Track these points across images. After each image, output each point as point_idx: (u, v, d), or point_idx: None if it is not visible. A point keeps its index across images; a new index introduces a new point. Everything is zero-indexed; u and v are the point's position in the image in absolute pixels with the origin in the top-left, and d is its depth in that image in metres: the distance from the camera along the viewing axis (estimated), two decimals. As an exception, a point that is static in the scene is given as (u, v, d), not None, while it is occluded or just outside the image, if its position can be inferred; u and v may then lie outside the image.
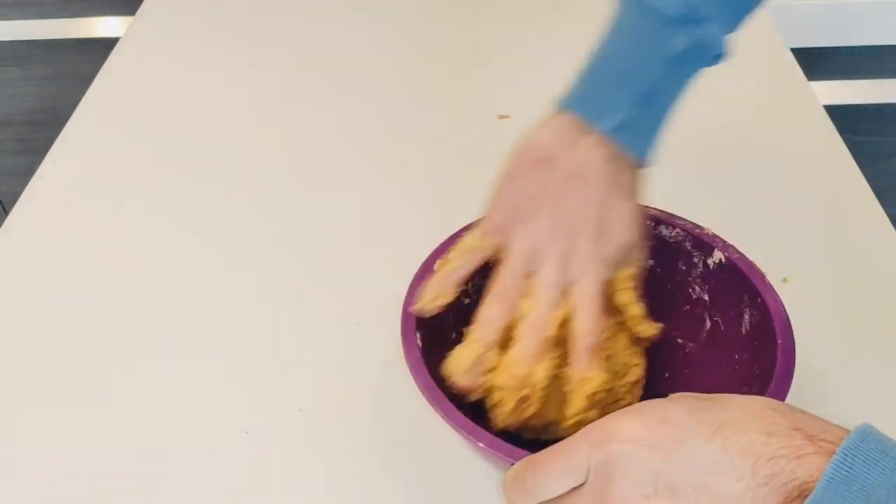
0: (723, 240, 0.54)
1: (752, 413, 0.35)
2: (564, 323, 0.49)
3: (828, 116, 0.82)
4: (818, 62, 1.14)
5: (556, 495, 0.37)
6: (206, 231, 0.72)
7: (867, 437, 0.32)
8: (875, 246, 0.68)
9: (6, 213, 0.91)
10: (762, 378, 0.47)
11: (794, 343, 0.48)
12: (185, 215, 0.74)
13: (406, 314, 0.50)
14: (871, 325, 0.62)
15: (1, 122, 1.53)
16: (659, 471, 0.34)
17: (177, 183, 0.78)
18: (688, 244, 0.55)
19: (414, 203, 0.74)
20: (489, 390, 0.49)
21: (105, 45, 0.98)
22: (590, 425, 0.37)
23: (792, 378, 0.46)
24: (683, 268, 0.56)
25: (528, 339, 0.48)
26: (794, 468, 0.32)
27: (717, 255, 0.54)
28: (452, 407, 0.45)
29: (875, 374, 0.58)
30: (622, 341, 0.51)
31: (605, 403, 0.49)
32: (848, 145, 0.78)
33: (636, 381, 0.52)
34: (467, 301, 0.54)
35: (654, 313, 0.57)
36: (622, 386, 0.51)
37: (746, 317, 0.52)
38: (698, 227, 0.55)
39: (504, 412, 0.48)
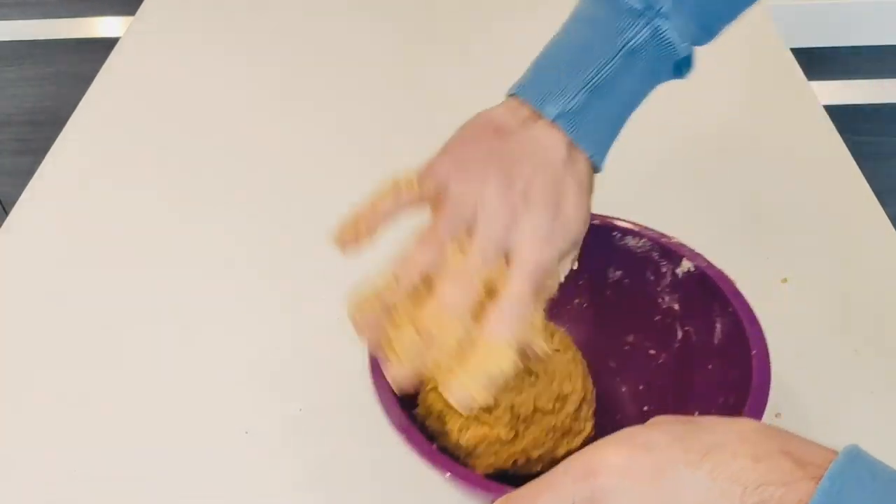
0: (690, 248, 0.54)
1: (738, 437, 0.34)
2: (490, 292, 0.45)
3: (828, 116, 0.82)
4: (818, 62, 1.14)
5: None
6: (205, 231, 0.72)
7: (855, 460, 0.31)
8: (875, 246, 0.68)
9: (6, 213, 0.91)
10: (738, 387, 0.47)
11: (768, 351, 0.48)
12: (185, 215, 0.74)
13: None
14: (871, 325, 0.62)
15: (1, 122, 1.53)
16: (647, 502, 0.33)
17: (177, 183, 0.78)
18: (655, 254, 0.54)
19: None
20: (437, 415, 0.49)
21: (105, 45, 0.98)
22: (572, 457, 0.36)
23: (769, 387, 0.46)
24: (652, 278, 0.55)
25: (452, 290, 0.45)
26: (782, 495, 0.31)
27: (686, 265, 0.53)
28: (433, 448, 0.44)
29: (875, 374, 0.58)
30: (545, 378, 0.48)
31: (555, 437, 0.48)
32: (848, 145, 0.78)
33: (578, 408, 0.49)
34: None
35: (624, 324, 0.57)
36: (566, 417, 0.49)
37: (718, 326, 0.52)
38: (665, 236, 0.54)
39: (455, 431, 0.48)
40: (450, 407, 0.48)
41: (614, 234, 0.55)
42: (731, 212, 0.72)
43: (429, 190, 0.48)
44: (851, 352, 0.60)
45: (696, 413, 0.50)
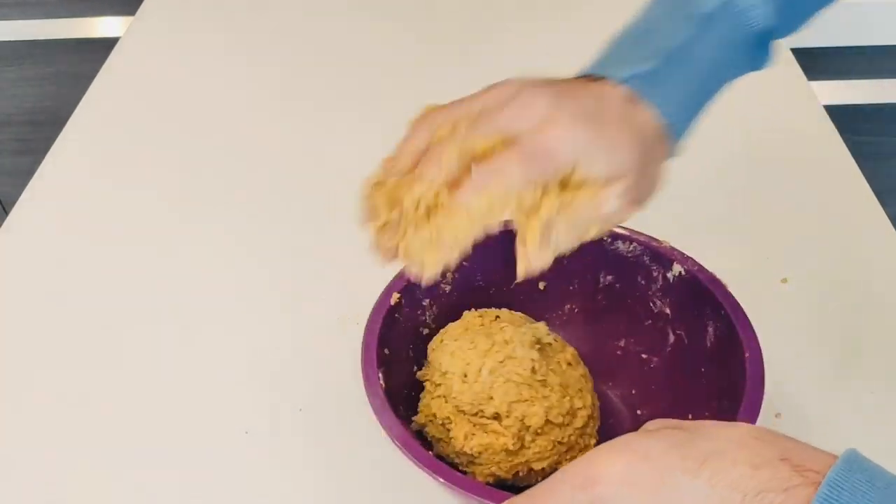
0: (681, 252, 0.54)
1: (736, 444, 0.33)
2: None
3: (828, 116, 0.82)
4: (818, 62, 1.14)
5: None
6: (206, 231, 0.72)
7: (853, 466, 0.31)
8: (875, 246, 0.68)
9: (6, 213, 0.91)
10: (731, 390, 0.47)
11: (761, 353, 0.48)
12: (184, 215, 0.74)
13: (367, 355, 0.49)
14: (871, 325, 0.62)
15: (1, 122, 1.53)
16: None
17: (177, 183, 0.78)
18: (646, 258, 0.55)
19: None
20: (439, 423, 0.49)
21: (105, 45, 0.98)
22: (569, 466, 0.35)
23: (763, 390, 0.46)
24: (643, 282, 0.55)
25: (426, 159, 0.44)
26: (781, 501, 0.31)
27: (677, 268, 0.53)
28: (430, 455, 0.44)
29: (875, 374, 0.58)
30: (556, 390, 0.49)
31: (560, 452, 0.49)
32: (848, 145, 0.78)
33: (585, 424, 0.50)
34: (426, 332, 0.54)
35: (616, 329, 0.57)
36: (573, 432, 0.49)
37: (710, 329, 0.52)
38: (655, 240, 0.55)
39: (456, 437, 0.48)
40: (458, 414, 0.48)
41: (605, 238, 0.55)
42: (730, 212, 0.72)
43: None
44: (851, 352, 0.60)
45: (690, 417, 0.50)
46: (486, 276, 0.56)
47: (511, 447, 0.47)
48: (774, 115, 0.83)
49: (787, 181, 0.75)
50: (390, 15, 1.01)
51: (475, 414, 0.48)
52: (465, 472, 0.48)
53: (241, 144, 0.82)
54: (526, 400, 0.47)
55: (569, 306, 0.57)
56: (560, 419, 0.48)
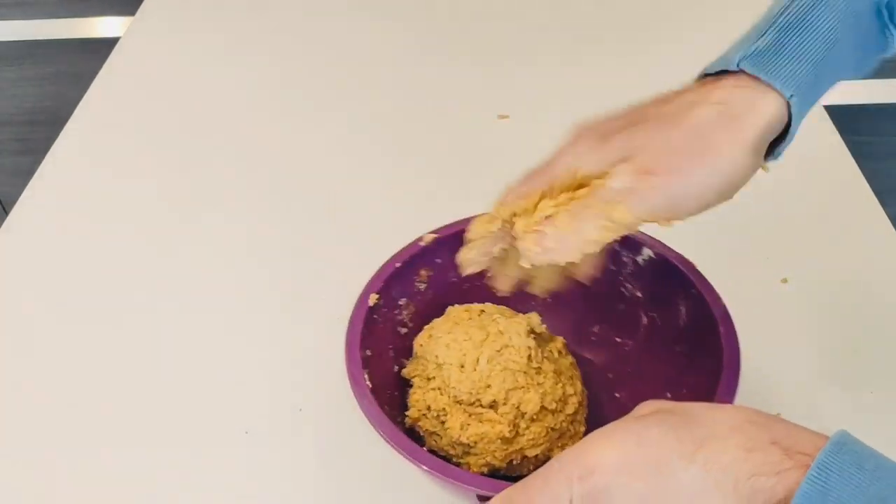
0: (649, 236, 0.54)
1: (730, 428, 0.34)
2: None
3: (828, 116, 0.82)
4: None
5: None
6: (206, 230, 0.72)
7: (843, 448, 0.32)
8: (875, 246, 0.68)
9: (6, 213, 0.91)
10: (708, 367, 0.48)
11: (734, 328, 0.48)
12: (185, 215, 0.74)
13: (351, 355, 0.49)
14: (871, 325, 0.62)
15: (1, 122, 1.53)
16: (643, 498, 0.34)
17: (177, 183, 0.78)
18: (615, 244, 0.54)
19: (414, 203, 0.74)
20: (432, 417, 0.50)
21: (105, 45, 0.98)
22: (565, 454, 0.36)
23: (740, 363, 0.47)
24: (613, 268, 0.55)
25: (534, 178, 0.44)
26: (773, 485, 0.32)
27: (646, 252, 0.54)
28: (423, 450, 0.45)
29: (875, 374, 0.58)
30: (550, 377, 0.50)
31: (552, 438, 0.49)
32: (848, 145, 0.78)
33: (576, 410, 0.51)
34: (404, 331, 0.55)
35: (589, 316, 0.58)
36: (564, 419, 0.50)
37: (682, 309, 0.53)
38: None
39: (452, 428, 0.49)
40: (454, 405, 0.48)
41: None
42: (730, 212, 0.72)
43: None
44: (851, 352, 0.60)
45: (669, 396, 0.51)
46: (460, 272, 0.57)
47: (507, 434, 0.48)
48: (774, 115, 0.83)
49: (787, 181, 0.74)
50: (390, 14, 1.01)
51: (472, 403, 0.48)
52: (459, 464, 0.49)
53: (241, 144, 0.82)
54: (522, 387, 0.48)
55: (542, 297, 0.58)
56: (553, 405, 0.49)
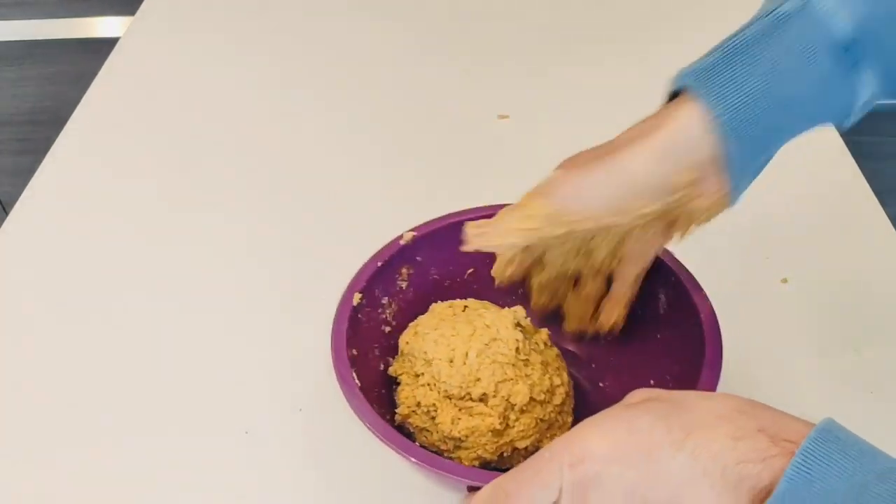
0: None
1: (718, 416, 0.34)
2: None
3: (828, 116, 0.82)
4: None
5: None
6: (206, 230, 0.72)
7: (828, 435, 0.32)
8: (875, 246, 0.68)
9: (6, 213, 0.91)
10: (690, 353, 0.48)
11: (714, 313, 0.49)
12: (185, 215, 0.74)
13: (338, 355, 0.49)
14: (871, 325, 0.62)
15: (1, 122, 1.53)
16: (633, 486, 0.34)
17: (177, 183, 0.78)
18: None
19: (414, 203, 0.73)
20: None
21: (105, 45, 0.98)
22: (556, 442, 0.36)
23: (722, 347, 0.47)
24: None
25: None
26: (759, 472, 0.32)
27: None
28: (411, 443, 0.45)
29: (875, 374, 0.58)
30: (538, 368, 0.50)
31: (541, 429, 0.50)
32: (848, 145, 0.78)
33: (563, 401, 0.51)
34: (388, 330, 0.55)
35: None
36: (552, 409, 0.50)
37: (662, 296, 0.53)
38: None
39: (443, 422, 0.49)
40: (444, 400, 0.49)
41: None
42: (730, 211, 0.72)
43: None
44: (851, 351, 0.60)
45: (652, 383, 0.51)
46: (440, 269, 0.57)
47: (497, 426, 0.48)
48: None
49: (787, 181, 0.74)
50: (390, 15, 1.01)
51: (462, 397, 0.49)
52: (450, 459, 0.49)
53: (242, 144, 0.82)
54: (511, 379, 0.49)
55: (521, 291, 0.58)
56: (542, 396, 0.49)
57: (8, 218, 0.74)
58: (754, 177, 0.46)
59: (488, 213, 0.50)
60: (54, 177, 0.79)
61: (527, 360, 0.50)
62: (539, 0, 1.02)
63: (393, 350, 0.54)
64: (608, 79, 0.87)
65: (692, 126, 0.43)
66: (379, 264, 0.54)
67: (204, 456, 0.55)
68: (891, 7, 0.42)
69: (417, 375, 0.51)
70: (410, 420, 0.51)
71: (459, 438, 0.49)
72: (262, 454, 0.55)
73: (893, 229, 0.69)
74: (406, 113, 0.86)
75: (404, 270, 0.56)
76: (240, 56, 0.95)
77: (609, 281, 0.53)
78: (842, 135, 0.79)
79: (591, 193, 0.44)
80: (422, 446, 0.49)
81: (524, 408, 0.49)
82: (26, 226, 0.74)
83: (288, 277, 0.68)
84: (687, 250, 0.54)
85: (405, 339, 0.53)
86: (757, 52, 0.42)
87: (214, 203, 0.75)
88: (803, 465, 0.31)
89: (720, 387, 0.48)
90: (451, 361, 0.49)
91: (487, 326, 0.50)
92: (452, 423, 0.49)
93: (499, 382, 0.48)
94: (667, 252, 0.53)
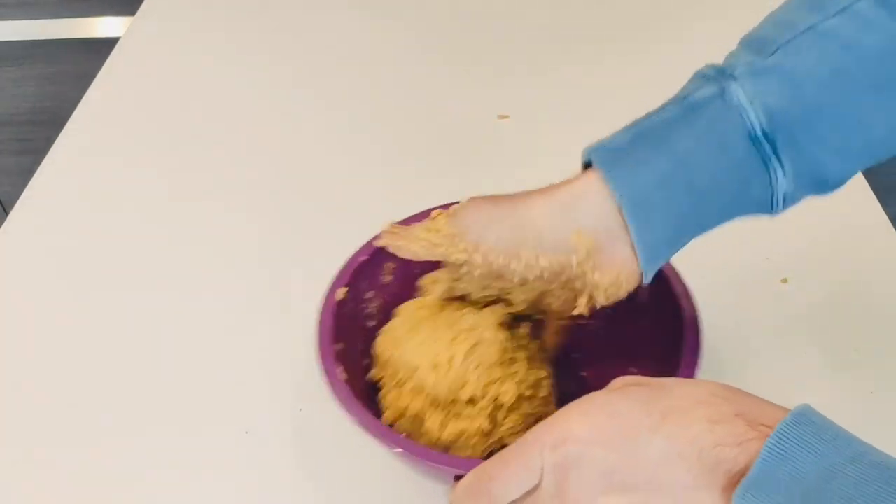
0: None
1: (696, 400, 0.35)
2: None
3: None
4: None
5: (512, 499, 0.37)
6: (206, 230, 0.72)
7: (802, 419, 0.32)
8: (875, 246, 0.68)
9: (6, 213, 0.91)
10: (670, 339, 0.49)
11: (692, 299, 0.49)
12: (185, 215, 0.74)
13: (324, 348, 0.49)
14: (871, 325, 0.62)
15: (1, 122, 1.53)
16: (612, 468, 0.35)
17: (177, 183, 0.78)
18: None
19: (414, 202, 0.73)
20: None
21: (105, 45, 0.98)
22: (539, 426, 0.37)
23: (700, 334, 0.47)
24: None
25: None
26: (736, 455, 0.33)
27: None
28: (392, 432, 0.46)
29: (875, 374, 0.58)
30: (523, 365, 0.50)
31: (529, 424, 0.49)
32: (848, 145, 0.77)
33: (548, 393, 0.51)
34: (372, 324, 0.54)
35: None
36: (539, 402, 0.50)
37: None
38: None
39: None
40: (431, 407, 0.49)
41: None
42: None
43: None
44: (851, 352, 0.60)
45: (634, 370, 0.51)
46: (422, 264, 0.56)
47: (486, 427, 0.48)
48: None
49: (787, 181, 0.75)
50: (391, 14, 1.01)
51: (450, 402, 0.48)
52: None
53: (242, 144, 0.82)
54: (498, 379, 0.48)
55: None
56: (529, 392, 0.49)
57: (8, 218, 0.74)
58: (668, 258, 0.46)
59: None
60: (54, 177, 0.79)
61: (513, 357, 0.49)
62: (539, 0, 1.02)
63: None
64: (608, 78, 0.87)
65: (596, 197, 0.43)
66: (363, 259, 0.54)
67: (204, 456, 0.55)
68: (806, 106, 0.42)
69: (401, 382, 0.50)
70: (397, 425, 0.50)
71: (449, 442, 0.48)
72: (262, 454, 0.55)
73: (893, 229, 0.69)
74: (406, 113, 0.85)
75: (388, 265, 0.56)
76: (240, 56, 0.95)
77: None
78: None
79: (489, 227, 0.44)
80: None
81: (512, 405, 0.48)
82: (26, 226, 0.74)
83: (288, 277, 0.68)
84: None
85: (383, 347, 0.52)
86: (666, 137, 0.42)
87: (214, 203, 0.75)
88: (777, 447, 0.32)
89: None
90: (436, 367, 0.48)
91: (471, 329, 0.49)
92: (440, 427, 0.48)
93: (486, 384, 0.48)
94: None
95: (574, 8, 1.00)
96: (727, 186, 0.43)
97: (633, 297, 0.52)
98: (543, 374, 0.51)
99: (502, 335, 0.49)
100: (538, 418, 0.50)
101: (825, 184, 0.44)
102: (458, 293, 0.50)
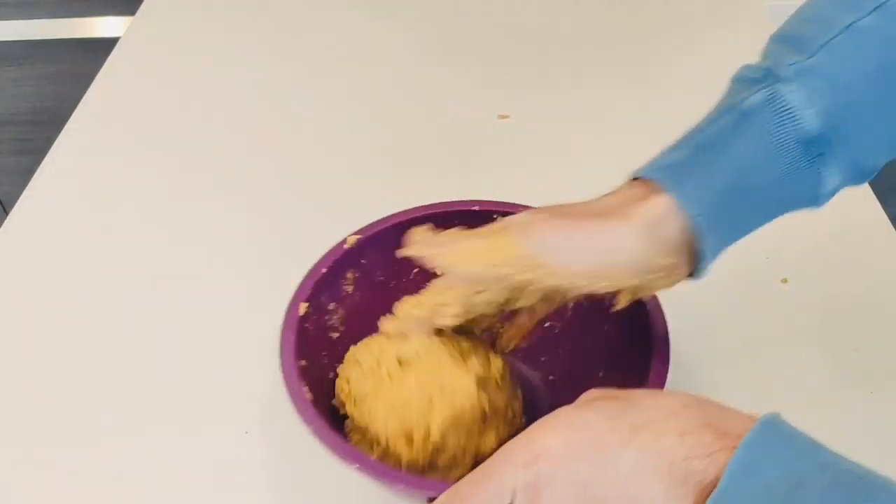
0: None
1: (666, 412, 0.35)
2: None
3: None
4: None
5: None
6: (206, 230, 0.72)
7: (769, 428, 0.33)
8: (875, 246, 0.68)
9: (6, 213, 0.91)
10: (638, 343, 0.48)
11: (659, 302, 0.49)
12: (185, 214, 0.74)
13: (287, 364, 0.48)
14: (871, 325, 0.62)
15: (1, 122, 1.53)
16: (584, 483, 0.34)
17: (177, 183, 0.78)
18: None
19: (414, 203, 0.73)
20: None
21: (105, 45, 0.98)
22: (508, 445, 0.36)
23: (668, 339, 0.47)
24: None
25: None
26: (705, 467, 0.32)
27: None
28: (364, 456, 0.44)
29: (875, 374, 0.58)
30: (501, 411, 0.47)
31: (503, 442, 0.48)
32: (848, 145, 0.77)
33: (520, 405, 0.50)
34: (336, 336, 0.54)
35: None
36: (514, 417, 0.49)
37: None
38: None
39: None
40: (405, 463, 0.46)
41: (494, 216, 0.52)
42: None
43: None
44: (851, 352, 0.60)
45: (602, 374, 0.51)
46: (385, 270, 0.56)
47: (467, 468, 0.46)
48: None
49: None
50: (391, 14, 1.01)
51: (427, 465, 0.46)
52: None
53: (242, 144, 0.82)
54: (479, 434, 0.46)
55: None
56: (509, 417, 0.48)
57: (8, 218, 0.74)
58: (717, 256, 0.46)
59: (430, 212, 0.49)
60: (54, 177, 0.79)
61: (495, 408, 0.47)
62: (539, 1, 1.02)
63: (341, 357, 0.52)
64: (608, 78, 0.87)
65: (668, 217, 0.43)
66: (324, 270, 0.53)
67: (204, 456, 0.55)
68: (854, 104, 0.43)
69: (370, 440, 0.47)
70: (373, 450, 0.47)
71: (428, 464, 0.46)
72: (262, 454, 0.55)
73: (893, 229, 0.69)
74: (406, 113, 0.85)
75: (350, 275, 0.55)
76: (240, 56, 0.95)
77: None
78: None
79: (575, 253, 0.43)
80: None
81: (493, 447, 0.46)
82: (26, 226, 0.74)
83: (288, 277, 0.68)
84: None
85: (352, 408, 0.48)
86: (725, 148, 0.43)
87: (214, 202, 0.75)
88: (743, 458, 0.32)
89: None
90: (411, 440, 0.45)
91: (443, 390, 0.46)
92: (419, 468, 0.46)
93: (466, 444, 0.46)
94: None
95: (574, 8, 1.00)
96: (783, 188, 0.44)
97: (599, 300, 0.52)
98: (516, 400, 0.49)
99: (483, 397, 0.46)
100: (511, 434, 0.49)
101: (865, 174, 0.45)
102: (474, 315, 0.47)
